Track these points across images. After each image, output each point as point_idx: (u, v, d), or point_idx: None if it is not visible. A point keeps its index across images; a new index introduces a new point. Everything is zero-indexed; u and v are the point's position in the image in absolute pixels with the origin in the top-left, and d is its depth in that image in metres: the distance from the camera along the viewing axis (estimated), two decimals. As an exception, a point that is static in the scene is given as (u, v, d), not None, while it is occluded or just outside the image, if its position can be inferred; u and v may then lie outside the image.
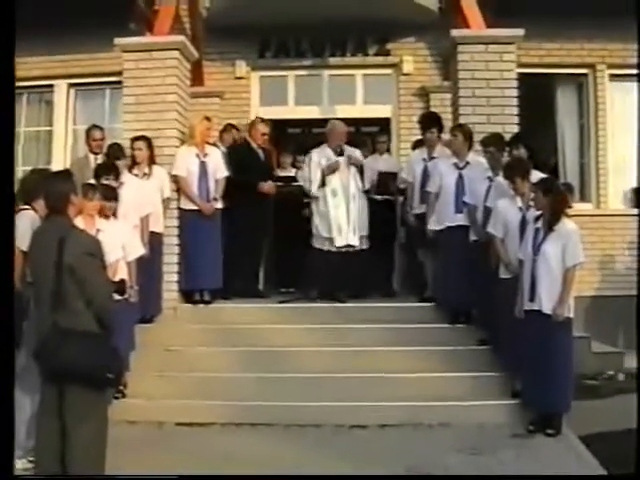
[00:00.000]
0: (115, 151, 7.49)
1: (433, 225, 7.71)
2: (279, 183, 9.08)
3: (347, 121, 11.14)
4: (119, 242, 6.25)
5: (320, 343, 7.37)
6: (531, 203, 6.42)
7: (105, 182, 6.63)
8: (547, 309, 6.08)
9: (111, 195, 6.40)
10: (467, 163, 7.58)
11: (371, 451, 5.85)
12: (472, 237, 7.29)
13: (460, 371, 6.83)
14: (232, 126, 9.60)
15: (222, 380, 6.93)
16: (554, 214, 6.13)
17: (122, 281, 5.76)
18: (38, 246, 4.76)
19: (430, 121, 8.39)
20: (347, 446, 5.98)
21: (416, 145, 9.02)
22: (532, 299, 6.16)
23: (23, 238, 5.25)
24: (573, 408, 6.21)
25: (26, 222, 5.46)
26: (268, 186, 8.69)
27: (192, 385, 6.91)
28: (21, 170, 10.39)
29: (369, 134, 9.52)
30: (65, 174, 5.18)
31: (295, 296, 8.47)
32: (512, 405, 6.48)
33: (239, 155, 8.79)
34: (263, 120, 9.08)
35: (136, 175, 7.61)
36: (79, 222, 5.01)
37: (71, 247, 4.54)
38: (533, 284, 6.15)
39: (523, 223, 6.54)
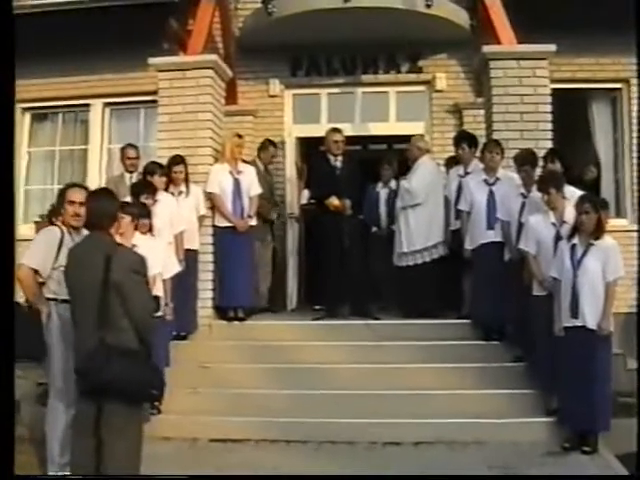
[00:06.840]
0: (151, 168, 7.56)
1: (468, 244, 7.69)
2: (312, 201, 9.10)
3: (380, 138, 11.21)
4: (156, 257, 6.26)
5: (354, 360, 7.37)
6: (566, 219, 6.38)
7: (142, 200, 6.70)
8: (592, 325, 6.02)
9: (143, 212, 6.46)
10: (497, 179, 7.57)
11: (405, 468, 5.82)
12: (507, 255, 7.26)
13: (494, 388, 6.80)
14: (270, 142, 9.62)
15: (256, 397, 6.96)
16: (599, 229, 6.09)
17: (156, 298, 5.80)
18: (80, 263, 4.73)
19: (460, 138, 8.44)
20: (381, 463, 5.95)
21: (449, 162, 9.01)
22: (575, 315, 6.07)
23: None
24: (607, 426, 6.15)
25: (54, 237, 5.57)
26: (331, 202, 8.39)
27: (226, 402, 6.93)
28: (56, 188, 10.54)
29: (402, 151, 9.50)
30: (107, 192, 5.22)
31: (328, 313, 8.39)
32: (547, 423, 6.43)
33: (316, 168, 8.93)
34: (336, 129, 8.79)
35: (172, 193, 7.67)
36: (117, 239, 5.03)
37: (118, 264, 4.54)
38: (575, 300, 6.08)
39: (557, 239, 6.47)
